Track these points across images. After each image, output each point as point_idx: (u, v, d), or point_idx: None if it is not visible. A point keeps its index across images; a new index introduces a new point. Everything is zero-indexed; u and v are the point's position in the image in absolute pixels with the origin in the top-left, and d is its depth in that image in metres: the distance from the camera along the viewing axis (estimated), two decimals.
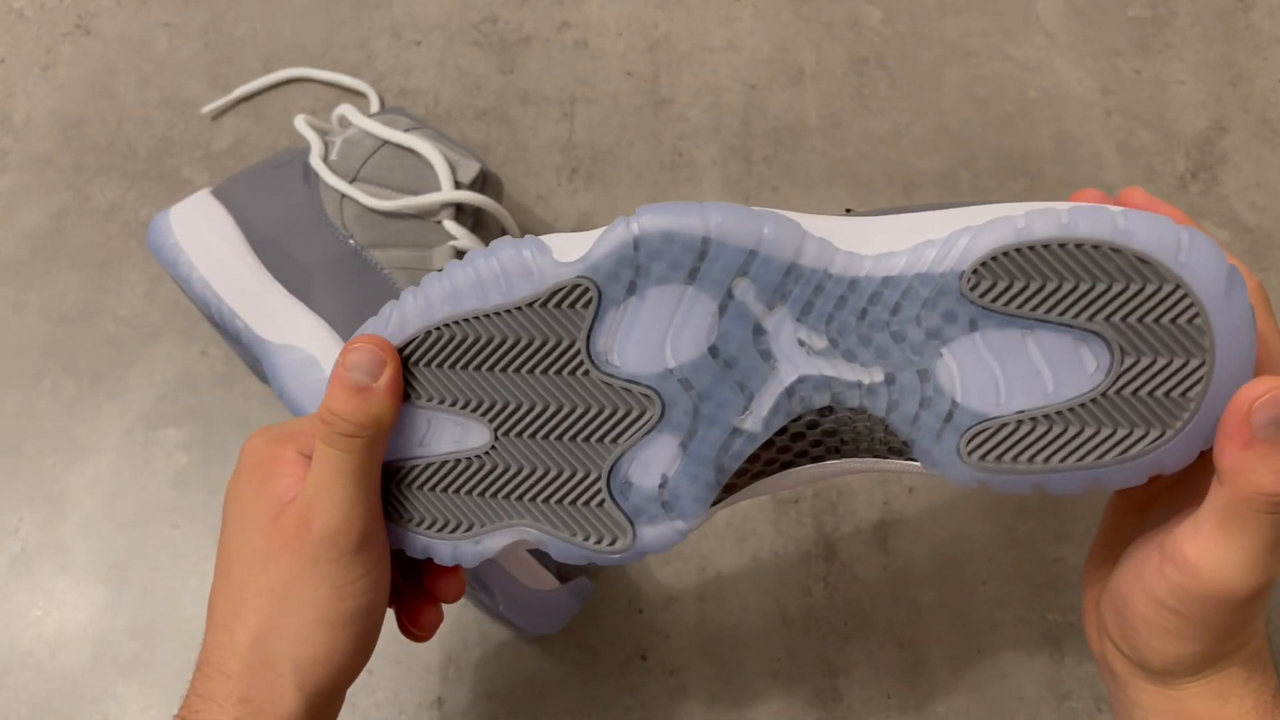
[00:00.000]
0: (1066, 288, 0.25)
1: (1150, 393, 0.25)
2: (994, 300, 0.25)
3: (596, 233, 0.28)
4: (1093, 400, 0.25)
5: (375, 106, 0.56)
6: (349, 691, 0.43)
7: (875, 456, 0.27)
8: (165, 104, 0.57)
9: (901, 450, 0.27)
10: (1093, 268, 0.25)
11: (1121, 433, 0.25)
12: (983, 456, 0.25)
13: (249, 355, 0.45)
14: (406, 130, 0.46)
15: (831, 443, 0.27)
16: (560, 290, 0.27)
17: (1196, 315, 0.25)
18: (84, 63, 0.58)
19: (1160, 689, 0.29)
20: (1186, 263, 0.25)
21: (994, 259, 0.25)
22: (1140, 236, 0.25)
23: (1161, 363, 0.25)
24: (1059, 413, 0.25)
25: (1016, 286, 0.25)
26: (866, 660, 0.44)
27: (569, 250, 0.28)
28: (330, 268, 0.44)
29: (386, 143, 0.46)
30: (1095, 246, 0.25)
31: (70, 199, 0.54)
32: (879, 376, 0.26)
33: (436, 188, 0.45)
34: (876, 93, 0.58)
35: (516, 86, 0.57)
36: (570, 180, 0.55)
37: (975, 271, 0.25)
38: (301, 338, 0.42)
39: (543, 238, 0.28)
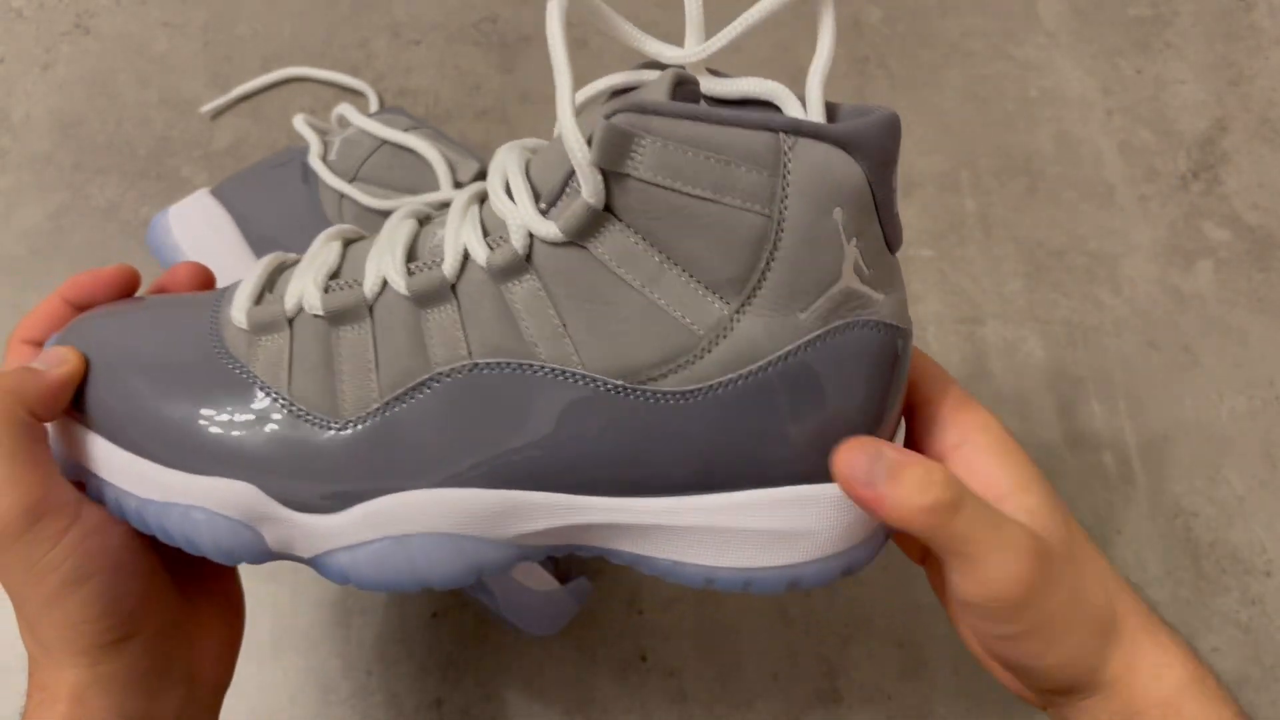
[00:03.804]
0: None
1: None
2: None
3: None
4: None
5: (374, 106, 0.56)
6: (347, 692, 0.43)
7: None
8: (165, 103, 0.57)
9: None
10: None
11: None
12: None
13: None
14: (406, 130, 0.46)
15: None
16: None
17: None
18: (83, 62, 0.58)
19: None
20: None
21: None
22: None
23: None
24: None
25: None
26: (866, 660, 0.44)
27: None
28: None
29: (386, 142, 0.46)
30: None
31: (69, 198, 0.54)
32: None
33: (436, 187, 0.45)
34: (877, 92, 0.58)
35: (516, 86, 0.57)
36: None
37: None
38: None
39: None
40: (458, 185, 0.45)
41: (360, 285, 0.28)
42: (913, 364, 0.30)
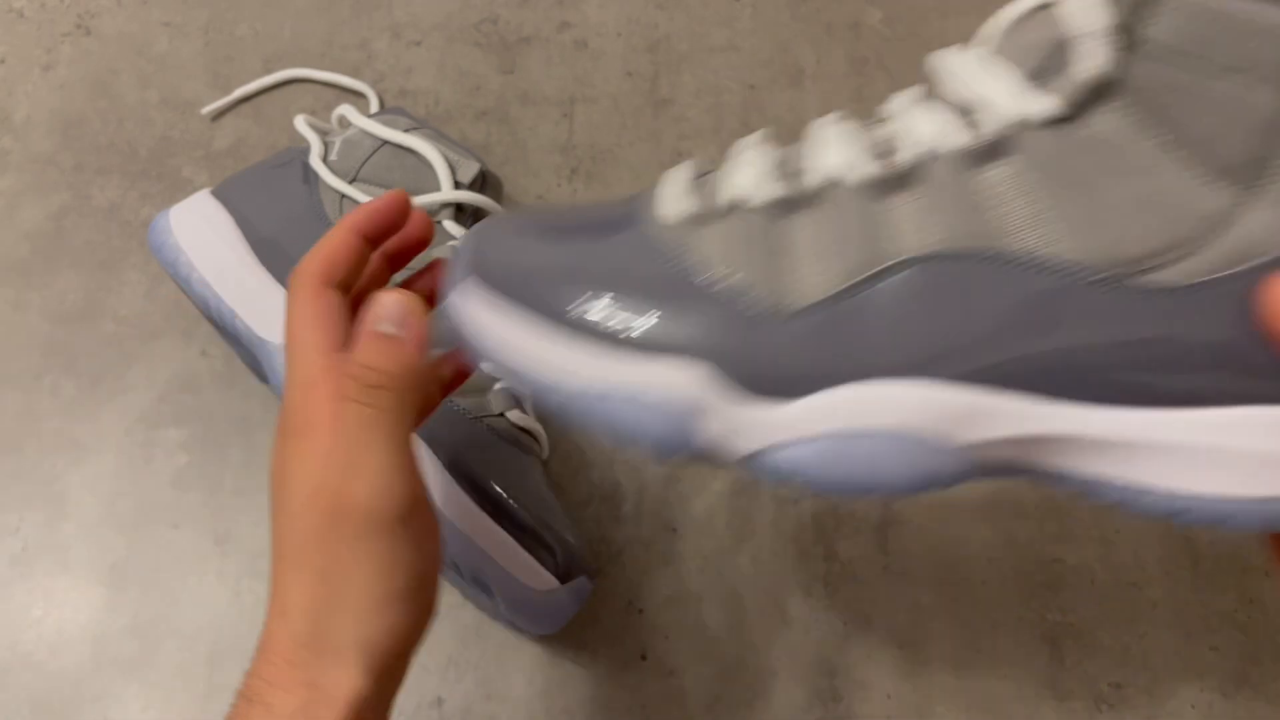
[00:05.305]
0: None
1: None
2: None
3: None
4: None
5: (375, 107, 0.56)
6: None
7: None
8: (165, 104, 0.57)
9: None
10: None
11: None
12: None
13: (249, 355, 0.45)
14: (406, 130, 0.46)
15: None
16: None
17: None
18: (84, 63, 0.58)
19: None
20: None
21: None
22: None
23: None
24: None
25: None
26: (866, 660, 0.44)
27: None
28: None
29: (386, 143, 0.46)
30: None
31: (71, 199, 0.54)
32: None
33: (436, 188, 0.45)
34: (876, 93, 0.58)
35: (516, 87, 0.57)
36: (570, 180, 0.55)
37: None
38: None
39: None
40: (458, 186, 0.45)
41: (801, 177, 0.27)
42: None
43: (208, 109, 0.56)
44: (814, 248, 0.27)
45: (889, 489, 0.27)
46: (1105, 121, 0.24)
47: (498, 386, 0.44)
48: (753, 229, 0.27)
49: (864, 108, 0.59)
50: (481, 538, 0.40)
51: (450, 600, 0.45)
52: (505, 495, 0.41)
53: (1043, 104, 0.24)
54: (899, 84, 0.62)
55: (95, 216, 0.54)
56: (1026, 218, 0.25)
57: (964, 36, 0.65)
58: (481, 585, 0.40)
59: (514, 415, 0.43)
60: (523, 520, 0.40)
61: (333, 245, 0.30)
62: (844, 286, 0.26)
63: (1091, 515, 0.47)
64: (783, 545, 0.46)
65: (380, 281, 0.33)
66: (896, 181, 0.26)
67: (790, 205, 0.27)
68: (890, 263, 0.26)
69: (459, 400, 0.42)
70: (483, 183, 0.47)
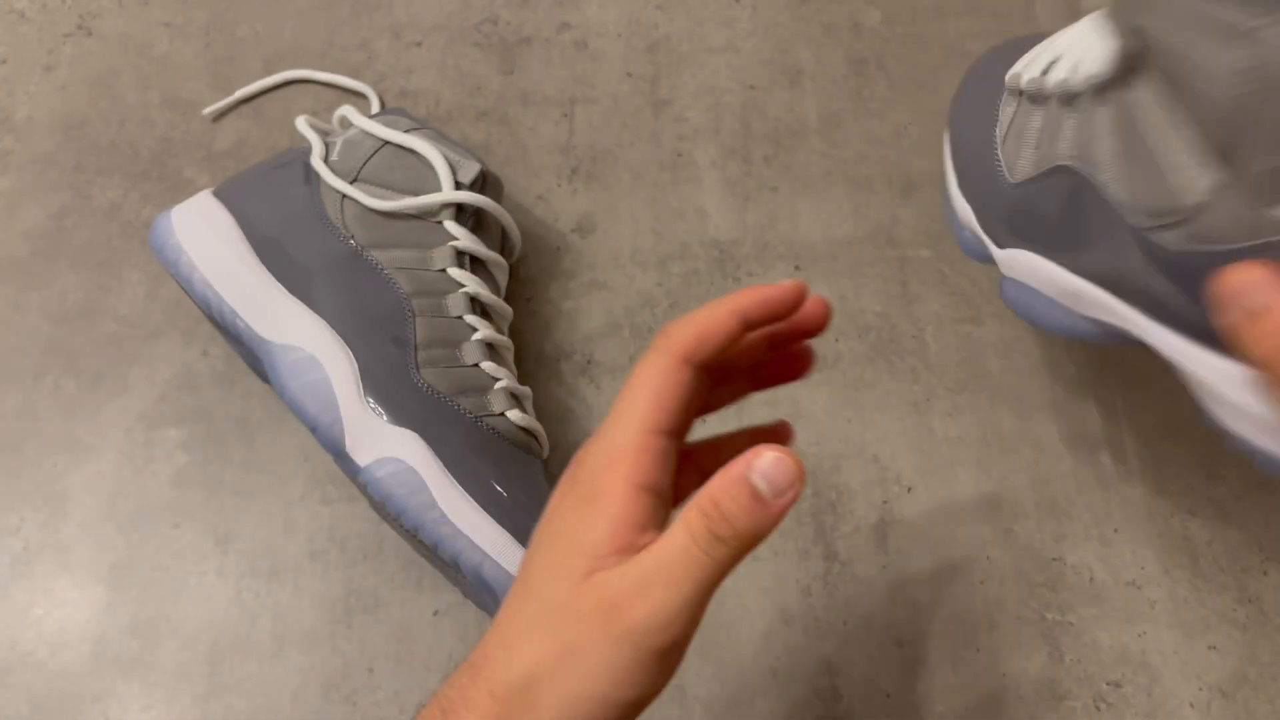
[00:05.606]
0: None
1: None
2: None
3: None
4: None
5: (376, 107, 0.56)
6: (349, 690, 0.44)
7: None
8: (166, 104, 0.57)
9: None
10: None
11: None
12: None
13: (250, 355, 0.45)
14: (407, 131, 0.46)
15: None
16: None
17: None
18: (85, 63, 0.58)
19: None
20: None
21: None
22: None
23: None
24: None
25: None
26: (866, 660, 0.44)
27: None
28: (331, 268, 0.44)
29: (387, 143, 0.46)
30: None
31: (71, 199, 0.54)
32: None
33: (437, 188, 0.45)
34: (876, 93, 0.58)
35: (516, 87, 0.57)
36: (570, 180, 0.55)
37: None
38: (302, 338, 0.42)
39: None
40: (458, 186, 0.45)
41: (1067, 81, 0.33)
42: None
43: (209, 110, 0.56)
44: (1031, 139, 0.35)
45: (1050, 329, 0.37)
46: (1141, 87, 0.29)
47: (498, 386, 0.44)
48: (1025, 113, 0.36)
49: (863, 108, 0.59)
50: (481, 538, 0.40)
51: (451, 599, 0.45)
52: (505, 495, 0.41)
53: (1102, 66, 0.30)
54: (898, 85, 0.62)
55: (96, 217, 0.54)
56: (1107, 155, 0.31)
57: (963, 37, 0.66)
58: (482, 584, 0.40)
59: (514, 415, 0.43)
60: (523, 520, 0.40)
61: (710, 323, 0.29)
62: (1032, 175, 0.35)
63: (1091, 514, 0.47)
64: (783, 545, 0.46)
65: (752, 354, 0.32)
66: (1074, 97, 0.32)
67: (1046, 98, 0.35)
68: (1050, 165, 0.34)
69: (459, 400, 0.42)
70: (483, 183, 0.47)
